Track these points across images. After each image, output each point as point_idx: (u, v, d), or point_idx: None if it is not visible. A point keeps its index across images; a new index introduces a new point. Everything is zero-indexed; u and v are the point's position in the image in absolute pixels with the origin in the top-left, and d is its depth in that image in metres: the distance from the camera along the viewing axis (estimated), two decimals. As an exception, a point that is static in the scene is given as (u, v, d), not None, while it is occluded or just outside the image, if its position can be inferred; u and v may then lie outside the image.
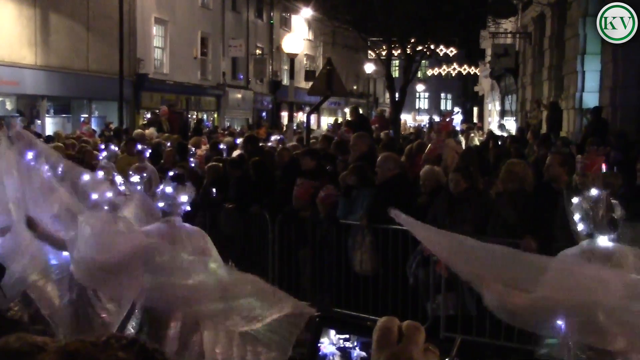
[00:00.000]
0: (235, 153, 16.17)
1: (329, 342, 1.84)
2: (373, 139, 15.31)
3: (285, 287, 11.08)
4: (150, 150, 14.42)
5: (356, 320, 1.92)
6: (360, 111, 23.56)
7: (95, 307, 7.15)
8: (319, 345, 1.86)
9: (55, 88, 27.85)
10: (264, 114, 47.29)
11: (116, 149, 15.15)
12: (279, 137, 21.64)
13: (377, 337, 1.68)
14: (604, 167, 8.63)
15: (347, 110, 45.54)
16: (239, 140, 19.58)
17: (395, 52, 30.67)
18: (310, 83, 22.01)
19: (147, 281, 5.89)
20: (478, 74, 52.01)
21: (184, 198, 6.51)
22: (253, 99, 44.83)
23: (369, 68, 52.82)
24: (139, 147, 14.11)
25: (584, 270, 5.08)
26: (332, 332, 1.85)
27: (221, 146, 17.11)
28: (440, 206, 9.38)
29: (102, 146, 15.03)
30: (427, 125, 38.17)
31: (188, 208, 6.64)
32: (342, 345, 1.85)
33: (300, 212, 10.93)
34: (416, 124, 50.98)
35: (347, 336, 1.85)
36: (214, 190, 12.73)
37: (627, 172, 10.51)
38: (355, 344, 1.85)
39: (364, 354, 1.85)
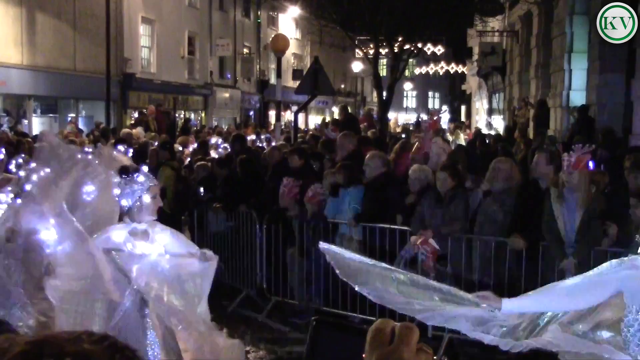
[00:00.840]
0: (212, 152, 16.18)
1: None
2: (360, 138, 15.31)
3: (273, 287, 11.12)
4: (131, 150, 14.18)
5: (353, 324, 1.91)
6: (349, 110, 23.59)
7: None
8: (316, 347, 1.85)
9: (41, 88, 27.74)
10: (251, 113, 47.21)
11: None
12: (254, 138, 21.73)
13: (369, 338, 1.67)
14: (591, 165, 8.63)
15: (334, 109, 45.58)
16: (214, 140, 19.62)
17: (383, 51, 30.70)
18: (298, 82, 21.99)
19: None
20: (465, 72, 52.11)
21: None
22: (241, 98, 44.79)
23: (357, 67, 52.82)
24: (120, 148, 13.72)
25: None
26: None
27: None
28: (427, 205, 9.39)
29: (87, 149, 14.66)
30: (413, 124, 38.25)
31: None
32: None
33: (288, 211, 10.92)
34: (402, 123, 50.97)
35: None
36: (201, 189, 12.73)
37: (614, 170, 10.55)
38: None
39: None
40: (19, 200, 6.18)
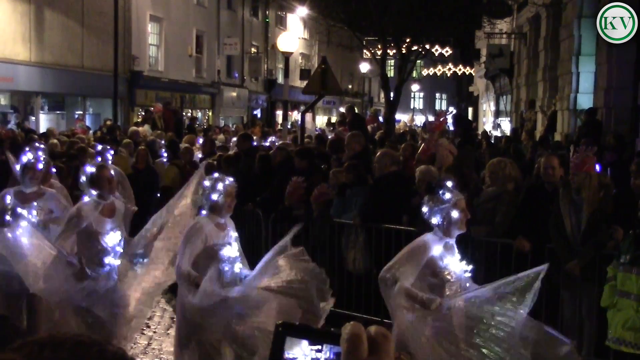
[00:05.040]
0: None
1: (302, 354, 1.78)
2: (368, 139, 15.31)
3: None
4: (112, 152, 13.69)
5: (321, 329, 1.84)
6: (356, 110, 23.58)
7: None
8: (284, 356, 1.79)
9: (49, 84, 27.77)
10: (256, 112, 47.03)
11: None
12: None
13: (347, 347, 1.60)
14: (597, 167, 8.62)
15: (341, 109, 45.52)
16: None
17: (390, 52, 30.72)
18: (305, 82, 21.97)
19: None
20: (473, 74, 52.00)
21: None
22: (248, 97, 44.78)
23: (364, 67, 52.79)
24: (99, 147, 12.89)
25: None
26: (305, 342, 1.78)
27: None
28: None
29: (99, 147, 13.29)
30: (419, 126, 38.21)
31: None
32: (314, 357, 1.78)
33: (294, 210, 10.91)
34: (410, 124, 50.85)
35: (320, 347, 1.78)
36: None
37: (622, 173, 10.52)
38: (329, 354, 1.78)
39: None
40: None
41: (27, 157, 8.86)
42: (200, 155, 15.84)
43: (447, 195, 6.36)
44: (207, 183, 7.35)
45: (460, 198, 6.47)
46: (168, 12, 35.72)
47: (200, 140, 17.97)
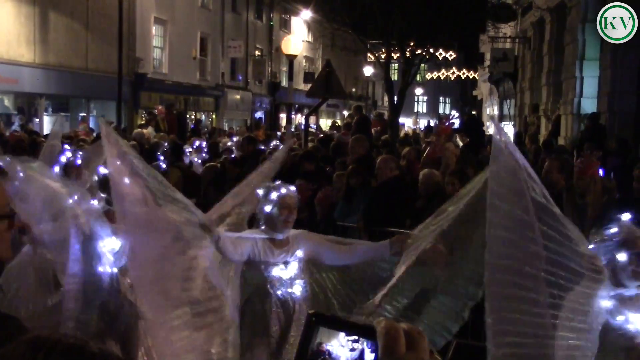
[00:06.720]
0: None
1: (339, 345, 1.78)
2: (371, 142, 15.31)
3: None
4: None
5: (352, 320, 1.84)
6: (363, 112, 23.57)
7: None
8: (313, 346, 1.79)
9: (53, 86, 27.81)
10: (257, 115, 46.90)
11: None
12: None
13: (386, 342, 1.59)
14: (601, 172, 8.61)
15: (345, 112, 45.52)
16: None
17: (394, 55, 30.66)
18: (309, 85, 21.97)
19: None
20: (477, 78, 52.00)
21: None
22: (252, 100, 44.78)
23: (368, 71, 52.80)
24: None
25: None
26: (342, 334, 1.78)
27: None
28: (436, 209, 9.36)
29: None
30: (422, 130, 38.18)
31: None
32: (352, 347, 1.79)
33: (298, 213, 10.91)
34: (415, 127, 50.80)
35: (356, 337, 1.79)
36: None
37: (625, 177, 10.52)
38: (366, 344, 1.78)
39: (373, 355, 1.78)
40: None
41: (65, 156, 8.78)
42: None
43: (612, 230, 4.74)
44: (260, 191, 6.53)
45: (635, 237, 4.70)
46: (172, 15, 35.76)
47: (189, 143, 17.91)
